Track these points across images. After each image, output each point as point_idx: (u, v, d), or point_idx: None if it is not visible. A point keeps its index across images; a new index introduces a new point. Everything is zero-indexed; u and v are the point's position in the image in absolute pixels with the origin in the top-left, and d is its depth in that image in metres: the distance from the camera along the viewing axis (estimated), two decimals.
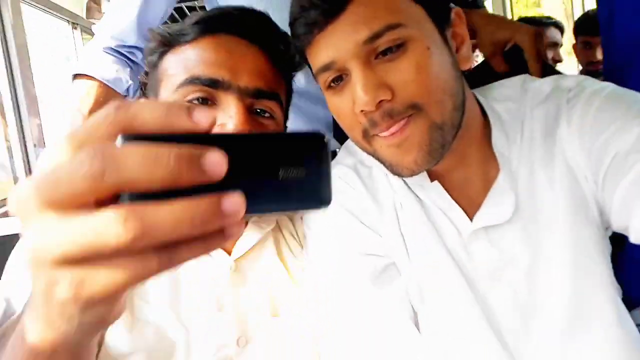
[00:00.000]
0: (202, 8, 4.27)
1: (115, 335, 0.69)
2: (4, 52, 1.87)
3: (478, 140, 0.73)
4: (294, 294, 0.80)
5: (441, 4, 0.67)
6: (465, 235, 0.72)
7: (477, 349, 0.70)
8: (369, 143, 0.68)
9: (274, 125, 0.76)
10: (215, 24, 0.75)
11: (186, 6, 4.03)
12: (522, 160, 0.71)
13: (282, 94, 0.79)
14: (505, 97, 0.75)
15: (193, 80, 0.71)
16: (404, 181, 0.76)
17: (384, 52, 0.62)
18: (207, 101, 0.71)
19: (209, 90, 0.71)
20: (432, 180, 0.74)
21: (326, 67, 0.66)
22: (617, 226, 0.66)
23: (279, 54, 0.77)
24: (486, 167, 0.72)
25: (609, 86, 0.69)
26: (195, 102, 0.71)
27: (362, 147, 0.71)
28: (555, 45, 2.34)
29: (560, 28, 2.36)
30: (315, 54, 0.67)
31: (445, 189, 0.73)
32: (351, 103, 0.65)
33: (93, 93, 1.11)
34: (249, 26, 0.76)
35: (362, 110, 0.64)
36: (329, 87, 0.68)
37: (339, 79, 0.66)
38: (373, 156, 0.71)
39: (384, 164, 0.69)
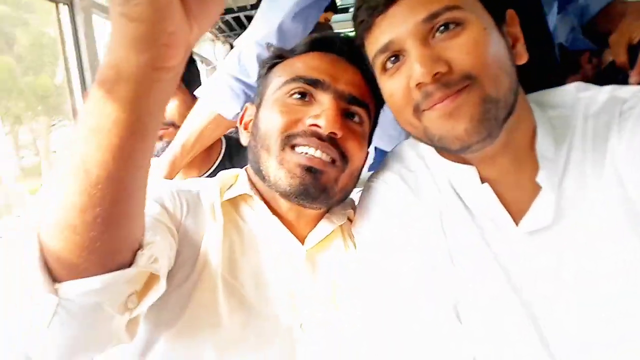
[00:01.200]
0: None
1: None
2: (77, 58, 2.00)
3: (527, 144, 0.73)
4: (354, 289, 0.83)
5: (496, 3, 0.69)
6: (511, 240, 0.72)
7: (520, 352, 0.70)
8: (419, 119, 0.70)
9: (360, 129, 0.84)
10: (321, 44, 0.87)
11: (244, 15, 4.17)
12: (570, 167, 0.70)
13: (372, 107, 0.87)
14: (558, 104, 0.75)
15: (296, 79, 0.81)
16: (451, 185, 0.77)
17: (442, 29, 0.65)
18: (305, 96, 0.80)
19: (309, 88, 0.80)
20: (482, 182, 0.74)
21: (384, 49, 0.70)
22: None
23: (372, 74, 0.83)
24: (534, 172, 0.72)
25: None
26: (296, 95, 0.80)
27: (412, 125, 0.72)
28: None
29: None
30: (375, 37, 0.71)
31: (494, 191, 0.73)
32: (406, 80, 0.68)
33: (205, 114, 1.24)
34: (349, 48, 0.86)
35: (418, 84, 0.67)
36: (384, 69, 0.72)
37: (396, 59, 0.70)
38: (422, 137, 0.73)
39: (433, 141, 0.71)
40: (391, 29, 0.68)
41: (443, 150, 0.77)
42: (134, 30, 0.42)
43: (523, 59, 0.73)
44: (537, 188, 0.71)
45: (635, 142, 0.66)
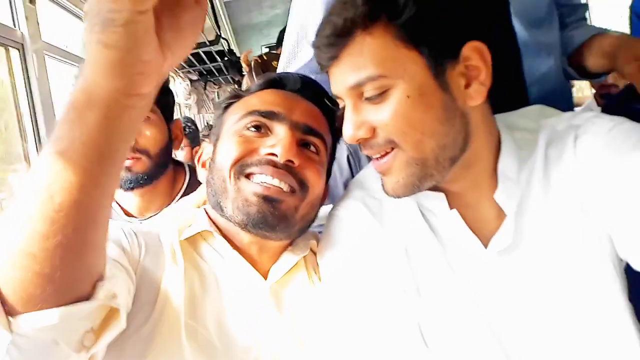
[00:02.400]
0: (219, 52, 4.43)
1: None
2: (29, 102, 1.96)
3: (491, 165, 0.76)
4: (319, 324, 0.82)
5: (446, 44, 0.68)
6: (480, 262, 0.74)
7: None
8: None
9: (317, 158, 0.86)
10: (275, 82, 0.90)
11: (203, 51, 4.20)
12: (532, 189, 0.74)
13: (328, 138, 0.89)
14: (522, 127, 0.79)
15: (252, 112, 0.82)
16: (420, 210, 0.79)
17: (369, 98, 0.69)
18: (261, 128, 0.82)
19: (264, 120, 0.82)
20: (451, 208, 0.76)
21: (336, 97, 0.76)
22: (622, 254, 0.68)
23: (327, 108, 0.90)
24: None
25: (619, 123, 0.71)
26: (252, 128, 0.82)
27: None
28: None
29: None
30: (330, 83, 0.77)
31: (461, 216, 0.75)
32: None
33: None
34: (302, 85, 0.90)
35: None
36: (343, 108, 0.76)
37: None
38: None
39: None
40: (334, 86, 0.74)
41: None
42: (110, 57, 0.43)
43: (475, 99, 0.70)
44: (502, 210, 0.74)
45: (589, 162, 0.70)
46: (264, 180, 0.78)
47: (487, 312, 0.72)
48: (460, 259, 0.75)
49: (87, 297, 0.54)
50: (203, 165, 0.94)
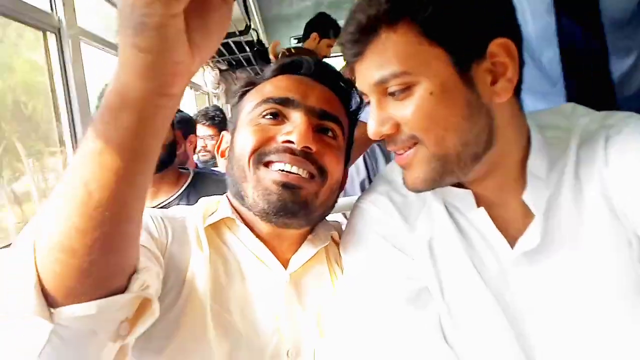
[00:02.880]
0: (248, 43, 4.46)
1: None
2: (64, 87, 2.01)
3: (520, 164, 0.75)
4: (339, 314, 0.82)
5: (467, 40, 0.68)
6: (506, 262, 0.73)
7: None
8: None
9: (335, 143, 0.86)
10: (289, 67, 0.90)
11: (232, 41, 4.23)
12: (563, 189, 0.72)
13: (344, 122, 0.90)
14: (554, 126, 0.77)
15: (267, 100, 0.82)
16: (447, 208, 0.78)
17: (393, 93, 0.69)
18: (277, 116, 0.82)
19: (279, 107, 0.82)
20: (478, 206, 0.75)
21: (361, 94, 0.77)
22: None
23: (343, 90, 0.91)
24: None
25: None
26: (268, 116, 0.82)
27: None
28: None
29: None
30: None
31: (489, 214, 0.74)
32: None
33: None
34: (316, 69, 0.90)
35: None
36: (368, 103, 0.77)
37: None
38: None
39: None
40: (358, 82, 0.75)
41: None
42: (143, 60, 0.44)
43: (502, 96, 0.70)
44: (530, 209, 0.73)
45: (621, 166, 0.68)
46: (283, 168, 0.79)
47: (510, 313, 0.71)
48: (485, 258, 0.74)
49: (123, 289, 0.56)
50: (222, 155, 0.94)
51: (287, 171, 0.78)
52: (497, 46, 0.69)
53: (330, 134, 0.86)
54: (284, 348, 0.77)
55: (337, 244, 0.93)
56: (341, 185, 0.92)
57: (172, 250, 0.77)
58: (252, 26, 4.39)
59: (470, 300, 0.74)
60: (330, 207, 0.90)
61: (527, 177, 0.73)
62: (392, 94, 0.70)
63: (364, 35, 0.69)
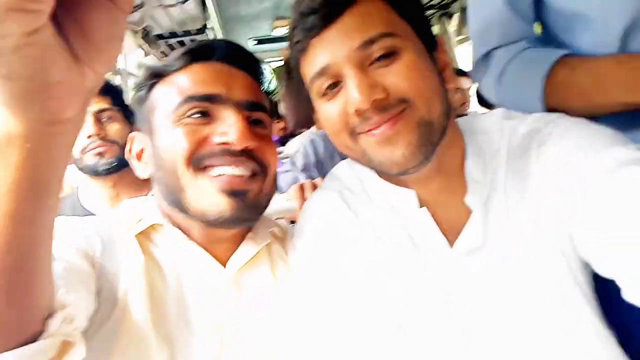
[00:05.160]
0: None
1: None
2: None
3: (458, 167, 0.76)
4: (284, 313, 0.80)
5: (427, 29, 0.73)
6: (447, 261, 0.73)
7: None
8: (356, 142, 0.72)
9: (267, 132, 0.82)
10: (202, 53, 0.80)
11: (189, 39, 4.13)
12: (496, 190, 0.73)
13: (268, 107, 0.85)
14: (485, 130, 0.79)
15: (188, 100, 0.74)
16: (392, 207, 0.79)
17: (378, 59, 0.67)
18: (205, 115, 0.75)
19: (205, 105, 0.75)
20: (421, 206, 0.76)
21: (321, 72, 0.70)
22: (603, 273, 0.65)
23: (259, 74, 0.85)
24: (465, 194, 0.74)
25: (579, 123, 0.71)
26: (195, 116, 0.74)
27: (350, 147, 0.74)
28: None
29: None
30: (311, 59, 0.71)
31: (432, 214, 0.75)
32: (343, 106, 0.70)
33: None
34: (232, 53, 0.82)
35: (356, 110, 0.68)
36: (323, 94, 0.72)
37: (334, 86, 0.70)
38: (360, 159, 0.74)
39: (373, 164, 0.73)
40: (327, 53, 0.69)
41: (382, 172, 0.79)
42: (12, 88, 0.37)
43: (451, 82, 0.76)
44: (469, 210, 0.74)
45: (552, 165, 0.69)
46: (224, 172, 0.74)
47: (454, 309, 0.72)
48: (430, 256, 0.75)
49: (39, 334, 0.50)
50: (138, 158, 0.85)
51: (229, 174, 0.74)
52: (439, 42, 0.76)
53: (261, 124, 0.82)
54: (229, 351, 0.74)
55: (280, 240, 0.92)
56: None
57: (103, 261, 0.72)
58: (210, 25, 4.31)
59: (414, 297, 0.73)
60: (271, 196, 0.85)
61: (466, 180, 0.74)
62: (376, 60, 0.68)
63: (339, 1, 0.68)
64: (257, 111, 0.80)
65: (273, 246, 0.89)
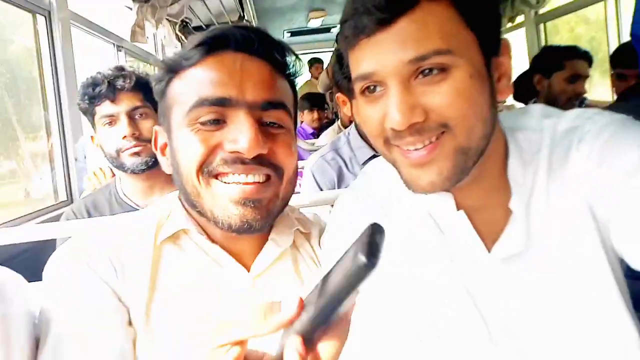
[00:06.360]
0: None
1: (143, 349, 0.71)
2: (52, 70, 1.98)
3: (499, 168, 0.73)
4: None
5: (493, 33, 0.67)
6: (484, 266, 0.72)
7: None
8: (389, 151, 0.70)
9: (285, 134, 0.78)
10: (217, 44, 0.76)
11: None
12: (536, 190, 0.71)
13: (289, 103, 0.80)
14: (524, 127, 0.76)
15: (202, 102, 0.73)
16: (428, 209, 0.77)
17: (426, 73, 0.62)
18: (218, 121, 0.73)
19: (218, 109, 0.73)
20: (457, 208, 0.74)
21: (365, 77, 0.66)
22: (618, 251, 0.65)
23: (281, 63, 0.79)
24: (506, 196, 0.72)
25: (617, 120, 0.70)
26: (208, 124, 0.73)
27: (383, 154, 0.72)
28: (580, 77, 2.32)
29: (588, 59, 2.34)
30: (358, 60, 0.67)
31: (469, 218, 0.73)
32: (382, 114, 0.66)
33: None
34: (249, 41, 0.76)
35: (391, 128, 0.65)
36: (362, 93, 0.69)
37: (374, 89, 0.67)
38: (393, 165, 0.72)
39: (401, 176, 0.71)
40: (375, 59, 0.64)
41: None
42: None
43: (504, 95, 0.70)
44: (508, 214, 0.71)
45: (593, 160, 0.67)
46: (237, 180, 0.73)
47: (489, 319, 0.70)
48: (464, 260, 0.73)
49: None
50: (163, 153, 0.85)
51: (242, 182, 0.73)
52: (503, 45, 0.69)
53: (275, 125, 0.77)
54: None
55: (305, 235, 0.91)
56: (297, 169, 0.85)
57: (125, 287, 0.74)
58: (246, 17, 4.35)
59: (448, 301, 0.72)
60: (290, 196, 0.83)
61: (510, 183, 0.71)
62: (422, 74, 0.63)
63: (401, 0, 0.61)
64: (273, 109, 0.76)
65: (298, 243, 0.88)
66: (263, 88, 0.75)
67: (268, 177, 0.75)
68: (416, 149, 0.65)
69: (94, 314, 0.70)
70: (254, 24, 5.01)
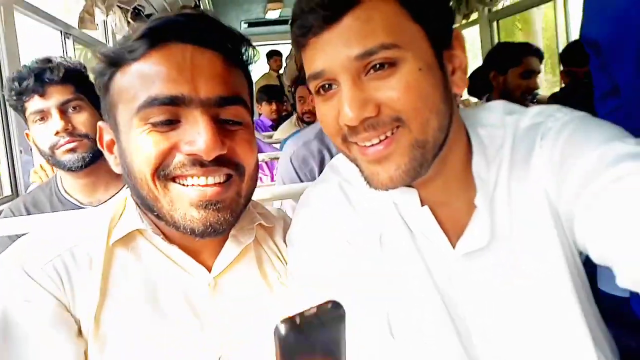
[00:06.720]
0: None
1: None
2: None
3: (462, 164, 0.74)
4: (274, 311, 0.78)
5: (442, 26, 0.68)
6: (449, 261, 0.72)
7: None
8: (349, 149, 0.70)
9: (243, 130, 0.74)
10: (163, 34, 0.69)
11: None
12: (499, 186, 0.72)
13: (246, 94, 0.76)
14: (487, 123, 0.77)
15: (152, 102, 0.67)
16: (395, 205, 0.77)
17: (375, 68, 0.63)
18: (171, 121, 0.68)
19: (170, 109, 0.67)
20: (422, 204, 0.74)
21: (317, 75, 0.67)
22: (581, 247, 0.67)
23: (233, 52, 0.74)
24: (470, 192, 0.73)
25: (578, 117, 0.71)
26: (160, 125, 0.68)
27: (343, 152, 0.72)
28: (534, 72, 2.41)
29: (540, 56, 2.43)
30: (309, 59, 0.68)
31: (433, 213, 0.73)
32: (336, 112, 0.66)
33: None
34: (197, 30, 0.71)
35: (345, 124, 0.65)
36: (318, 92, 0.69)
37: (329, 87, 0.67)
38: (354, 163, 0.72)
39: (362, 174, 0.71)
40: (324, 57, 0.65)
41: None
42: None
43: (460, 88, 0.70)
44: (472, 206, 0.72)
45: (555, 156, 0.69)
46: (196, 182, 0.70)
47: (453, 311, 0.71)
48: (430, 256, 0.74)
49: None
50: (110, 151, 0.79)
51: (202, 185, 0.69)
52: (455, 37, 0.69)
53: (231, 122, 0.73)
54: (214, 356, 0.72)
55: (268, 230, 0.88)
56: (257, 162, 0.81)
57: (72, 295, 0.70)
58: (201, 7, 4.25)
59: (417, 296, 0.73)
60: (252, 192, 0.80)
61: (474, 179, 0.72)
62: (373, 69, 0.63)
63: None
64: (230, 105, 0.72)
65: (260, 239, 0.86)
66: (217, 83, 0.70)
67: (229, 177, 0.72)
68: (372, 145, 0.65)
69: (35, 331, 0.65)
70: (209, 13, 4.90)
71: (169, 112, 0.67)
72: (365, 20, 0.62)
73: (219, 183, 0.70)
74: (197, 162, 0.68)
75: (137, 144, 0.68)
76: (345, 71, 0.63)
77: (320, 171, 1.66)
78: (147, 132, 0.68)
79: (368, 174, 0.69)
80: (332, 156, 1.62)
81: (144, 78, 0.68)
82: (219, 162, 0.69)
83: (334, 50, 0.63)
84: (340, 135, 0.69)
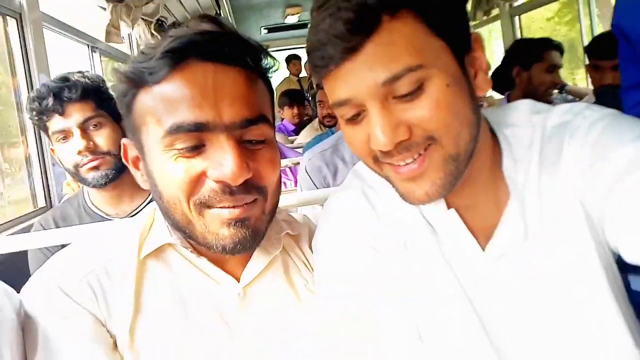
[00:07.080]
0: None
1: None
2: (26, 73, 1.93)
3: (489, 165, 0.73)
4: (303, 319, 0.79)
5: (462, 33, 0.67)
6: (478, 264, 0.72)
7: None
8: (381, 168, 0.70)
9: (266, 147, 0.74)
10: (184, 54, 0.69)
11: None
12: (530, 185, 0.71)
13: (268, 109, 0.77)
14: (512, 123, 0.76)
15: (178, 129, 0.68)
16: (420, 209, 0.76)
17: (403, 94, 0.62)
18: (197, 147, 0.69)
19: (195, 135, 0.68)
20: (448, 207, 0.74)
21: (342, 103, 0.65)
22: (613, 246, 0.66)
23: (254, 64, 0.75)
24: (497, 192, 0.72)
25: (608, 115, 0.70)
26: (186, 150, 0.69)
27: (375, 171, 0.72)
28: (556, 67, 2.38)
29: (560, 50, 2.40)
30: (332, 88, 0.67)
31: (460, 216, 0.73)
32: (366, 136, 0.66)
33: None
34: (217, 47, 0.71)
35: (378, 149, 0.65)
36: (346, 119, 0.69)
37: (357, 115, 0.66)
38: (386, 180, 0.72)
39: (396, 191, 0.71)
40: (348, 86, 0.63)
41: None
42: None
43: (484, 90, 0.69)
44: (499, 207, 0.72)
45: (584, 156, 0.68)
46: (226, 206, 0.71)
47: (482, 315, 0.70)
48: (458, 260, 0.73)
49: None
50: (135, 167, 0.81)
51: (231, 207, 0.71)
52: (474, 39, 0.68)
53: (253, 142, 0.73)
54: None
55: (294, 238, 0.90)
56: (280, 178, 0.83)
57: (107, 310, 0.72)
58: (222, 14, 4.31)
59: (443, 298, 0.72)
60: (277, 206, 0.82)
61: (504, 179, 0.71)
62: (401, 95, 0.62)
63: (362, 25, 0.59)
64: (253, 125, 0.72)
65: (287, 247, 0.87)
66: (241, 105, 0.70)
67: (254, 199, 0.73)
68: (406, 164, 0.65)
69: (75, 346, 0.68)
70: (230, 20, 4.96)
71: (195, 137, 0.68)
72: (388, 45, 0.60)
73: (246, 203, 0.72)
74: (227, 190, 0.69)
75: (166, 171, 0.70)
76: (373, 97, 0.62)
77: (334, 180, 1.68)
78: (175, 158, 0.69)
79: (403, 191, 0.68)
80: (345, 165, 1.65)
81: (168, 102, 0.69)
82: (246, 188, 0.70)
83: (358, 79, 0.62)
84: (371, 157, 0.68)
